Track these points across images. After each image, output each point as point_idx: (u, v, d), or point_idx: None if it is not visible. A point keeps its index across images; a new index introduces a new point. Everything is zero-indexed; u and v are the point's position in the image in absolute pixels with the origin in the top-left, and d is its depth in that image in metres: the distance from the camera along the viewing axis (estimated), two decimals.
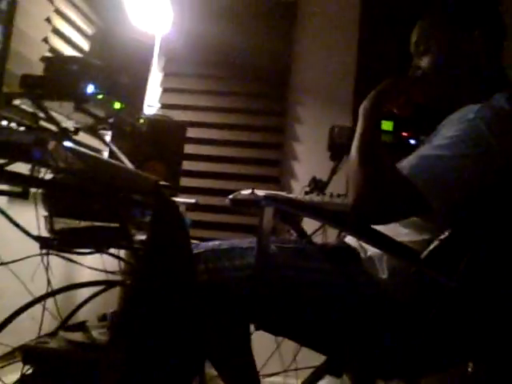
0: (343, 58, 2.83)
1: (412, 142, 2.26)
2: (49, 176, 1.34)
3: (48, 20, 2.04)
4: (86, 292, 2.07)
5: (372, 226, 1.16)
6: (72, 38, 2.22)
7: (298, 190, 2.00)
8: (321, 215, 1.22)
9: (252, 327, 1.25)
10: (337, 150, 2.32)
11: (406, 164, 1.14)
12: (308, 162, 2.78)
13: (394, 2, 2.81)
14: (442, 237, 1.13)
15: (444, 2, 1.36)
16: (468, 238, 1.11)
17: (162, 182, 1.30)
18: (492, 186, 1.12)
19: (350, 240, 1.35)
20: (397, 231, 1.22)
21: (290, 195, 1.92)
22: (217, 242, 1.32)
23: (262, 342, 1.44)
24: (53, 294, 1.74)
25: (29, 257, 1.52)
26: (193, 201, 1.73)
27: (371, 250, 1.23)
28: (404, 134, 2.29)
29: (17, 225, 1.44)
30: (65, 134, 1.28)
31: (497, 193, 1.12)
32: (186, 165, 2.29)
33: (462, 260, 1.09)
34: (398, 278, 1.17)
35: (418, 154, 1.16)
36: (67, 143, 1.12)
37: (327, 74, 2.84)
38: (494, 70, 1.28)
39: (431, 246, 1.13)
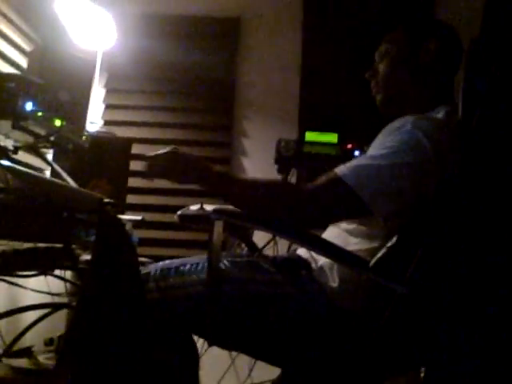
0: (287, 72, 2.87)
1: (356, 153, 2.31)
2: None
3: None
4: (31, 316, 2.00)
5: (321, 236, 1.18)
6: (9, 55, 2.16)
7: None
8: (269, 225, 1.21)
9: (205, 344, 1.23)
10: (284, 162, 2.34)
11: (343, 168, 1.16)
12: (256, 175, 2.78)
13: (335, 16, 2.87)
14: (389, 244, 1.16)
15: (406, 13, 1.44)
16: (414, 244, 1.14)
17: (106, 200, 1.27)
18: (433, 193, 1.14)
19: (301, 251, 1.36)
20: (347, 240, 1.24)
21: None
22: (167, 261, 1.29)
23: (216, 358, 1.42)
24: None
25: None
26: (139, 218, 1.70)
27: (322, 260, 1.24)
28: (349, 145, 2.34)
29: None
30: (2, 152, 1.24)
31: (438, 200, 1.15)
32: (132, 182, 2.25)
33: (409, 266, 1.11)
34: (349, 286, 1.18)
35: (357, 162, 1.17)
36: (4, 162, 1.08)
37: (272, 88, 2.87)
38: (443, 82, 1.33)
39: (379, 254, 1.15)
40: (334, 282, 1.19)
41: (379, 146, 1.19)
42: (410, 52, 1.34)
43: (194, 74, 2.83)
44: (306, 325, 1.19)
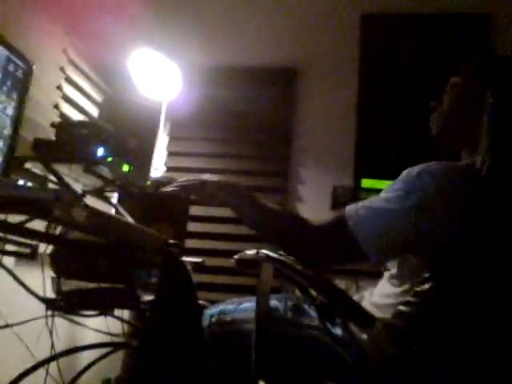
0: (343, 119, 2.90)
1: None
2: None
3: (59, 88, 2.12)
4: (89, 356, 2.05)
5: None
6: (81, 104, 2.30)
7: None
8: (305, 278, 1.23)
9: None
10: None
11: (351, 206, 1.17)
12: None
13: (392, 65, 2.91)
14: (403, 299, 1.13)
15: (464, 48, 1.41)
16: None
17: (170, 241, 1.32)
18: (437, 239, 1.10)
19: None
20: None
21: None
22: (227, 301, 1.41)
23: None
24: (56, 357, 1.72)
25: (35, 319, 1.52)
26: (200, 260, 1.74)
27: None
28: None
29: (24, 286, 1.44)
30: (77, 196, 1.31)
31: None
32: (191, 226, 2.30)
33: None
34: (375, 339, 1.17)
35: (363, 203, 1.17)
36: (84, 201, 1.15)
37: (328, 135, 2.90)
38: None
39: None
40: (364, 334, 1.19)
41: (388, 189, 1.17)
42: (477, 88, 1.27)
43: (252, 122, 2.91)
44: (335, 369, 1.22)
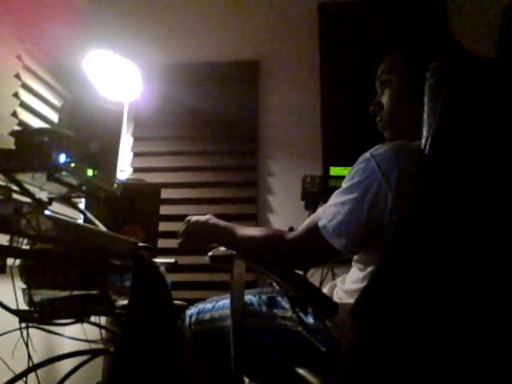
0: (308, 110, 2.92)
1: None
2: (26, 247, 1.33)
3: (16, 95, 2.07)
4: (68, 364, 2.02)
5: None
6: (40, 110, 2.25)
7: None
8: (273, 272, 1.28)
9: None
10: (310, 198, 2.36)
11: (322, 212, 1.22)
12: (283, 213, 2.80)
13: (352, 51, 2.92)
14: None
15: (405, 41, 1.42)
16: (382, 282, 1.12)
17: (140, 244, 1.30)
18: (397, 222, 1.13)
19: (324, 290, 1.40)
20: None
21: None
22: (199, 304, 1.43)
23: None
24: (34, 368, 1.69)
25: (8, 332, 1.49)
26: (173, 260, 1.73)
27: (337, 297, 1.29)
28: None
29: None
30: (42, 204, 1.28)
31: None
32: (162, 226, 2.29)
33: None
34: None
35: (330, 202, 1.22)
36: (46, 212, 1.13)
37: (294, 127, 2.91)
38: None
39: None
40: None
41: (345, 178, 1.21)
42: (412, 80, 1.29)
43: (217, 117, 2.90)
44: (309, 357, 1.25)
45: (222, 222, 1.41)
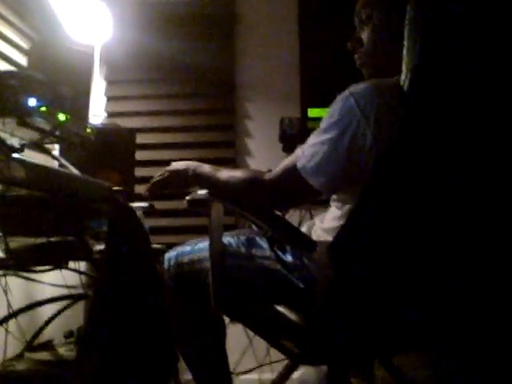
0: (286, 51, 2.86)
1: None
2: None
3: None
4: (49, 310, 2.03)
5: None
6: (8, 54, 2.17)
7: None
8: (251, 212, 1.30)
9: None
10: (288, 140, 2.34)
11: (300, 152, 1.22)
12: (261, 156, 2.79)
13: None
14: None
15: None
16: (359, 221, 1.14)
17: (115, 188, 1.29)
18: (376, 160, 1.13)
19: (303, 229, 1.43)
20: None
21: None
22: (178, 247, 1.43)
23: (234, 340, 1.46)
24: (14, 315, 1.70)
25: None
26: (147, 204, 1.71)
27: (315, 236, 1.30)
28: None
29: None
30: (12, 150, 1.25)
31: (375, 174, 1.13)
32: (139, 171, 2.26)
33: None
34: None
35: (309, 142, 1.22)
36: (16, 156, 1.10)
37: (272, 69, 2.86)
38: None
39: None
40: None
41: (324, 118, 1.20)
42: (392, 16, 1.26)
43: (193, 59, 2.82)
44: (297, 299, 1.25)
45: (202, 168, 1.43)
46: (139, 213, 1.63)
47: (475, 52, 1.09)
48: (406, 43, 1.13)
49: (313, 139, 1.20)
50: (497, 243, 1.18)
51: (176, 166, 1.46)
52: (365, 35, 1.32)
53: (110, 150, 1.94)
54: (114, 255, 1.17)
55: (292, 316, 1.22)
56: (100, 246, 1.49)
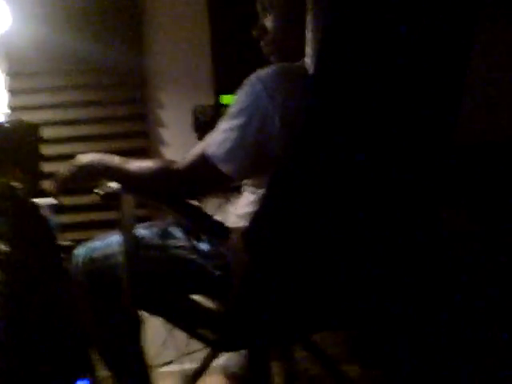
0: (196, 37, 2.81)
1: None
2: None
3: None
4: None
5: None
6: None
7: None
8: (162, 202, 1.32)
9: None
10: (203, 129, 2.32)
11: (210, 139, 1.22)
12: (176, 146, 2.75)
13: None
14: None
15: None
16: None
17: (15, 184, 1.22)
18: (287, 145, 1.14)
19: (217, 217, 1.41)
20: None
21: None
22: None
23: (152, 332, 1.44)
24: None
25: None
26: (54, 202, 1.63)
27: (230, 222, 1.30)
28: None
29: None
30: None
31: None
32: (47, 167, 2.16)
33: None
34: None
35: (218, 127, 1.21)
36: None
37: (183, 56, 2.81)
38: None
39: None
40: None
41: (232, 103, 1.20)
42: (294, 2, 1.26)
43: (99, 48, 2.72)
44: (205, 283, 1.27)
45: (109, 160, 1.38)
46: (45, 209, 1.55)
47: (381, 31, 1.12)
48: (309, 25, 1.13)
49: (222, 125, 1.19)
50: (405, 224, 1.23)
51: (81, 159, 1.40)
52: (269, 23, 1.32)
53: (13, 146, 1.84)
54: (16, 253, 1.11)
55: (210, 304, 1.21)
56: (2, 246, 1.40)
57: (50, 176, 2.23)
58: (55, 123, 2.65)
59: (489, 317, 1.74)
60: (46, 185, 1.76)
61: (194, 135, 2.37)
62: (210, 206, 2.12)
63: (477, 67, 1.46)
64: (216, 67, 2.78)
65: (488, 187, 1.96)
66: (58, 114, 2.68)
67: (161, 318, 1.33)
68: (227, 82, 2.74)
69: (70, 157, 2.51)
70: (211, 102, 2.67)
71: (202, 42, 2.80)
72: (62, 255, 1.31)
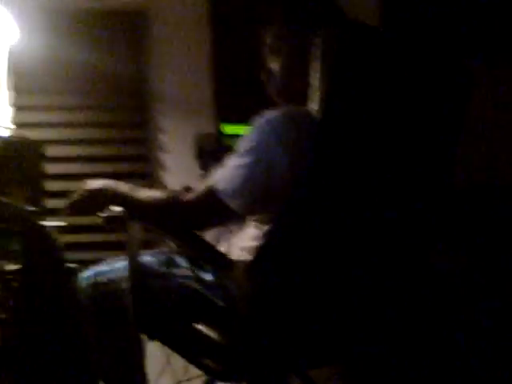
0: (199, 64, 2.85)
1: None
2: None
3: None
4: None
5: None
6: None
7: None
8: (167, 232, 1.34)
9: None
10: (204, 157, 2.34)
11: (218, 174, 1.27)
12: (178, 172, 2.76)
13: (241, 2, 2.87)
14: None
15: (288, 8, 1.43)
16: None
17: (27, 208, 1.24)
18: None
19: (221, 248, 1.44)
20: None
21: None
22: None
23: (151, 357, 1.44)
24: None
25: None
26: (62, 223, 1.65)
27: (235, 254, 1.34)
28: None
29: None
30: None
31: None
32: (51, 185, 2.17)
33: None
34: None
35: (228, 164, 1.26)
36: None
37: (185, 82, 2.84)
38: None
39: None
40: None
41: (242, 141, 1.25)
42: (302, 48, 1.31)
43: (104, 70, 2.74)
44: (209, 313, 1.29)
45: (119, 187, 1.42)
46: (53, 230, 1.57)
47: (381, 86, 1.18)
48: (315, 75, 1.19)
49: (231, 162, 1.23)
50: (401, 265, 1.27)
51: (92, 185, 1.43)
52: (275, 66, 1.38)
53: (17, 164, 1.84)
54: (27, 278, 1.13)
55: (212, 334, 1.23)
56: (11, 266, 1.42)
57: (54, 195, 2.27)
58: (60, 142, 2.67)
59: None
60: (53, 203, 1.79)
61: (194, 160, 2.39)
62: (211, 234, 2.15)
63: (477, 111, 1.52)
64: (218, 93, 2.82)
65: (488, 230, 2.00)
66: (63, 133, 2.71)
67: (159, 343, 1.34)
68: (229, 109, 2.77)
69: (73, 176, 2.56)
70: (212, 127, 2.70)
71: (204, 68, 2.85)
72: (70, 277, 1.32)
